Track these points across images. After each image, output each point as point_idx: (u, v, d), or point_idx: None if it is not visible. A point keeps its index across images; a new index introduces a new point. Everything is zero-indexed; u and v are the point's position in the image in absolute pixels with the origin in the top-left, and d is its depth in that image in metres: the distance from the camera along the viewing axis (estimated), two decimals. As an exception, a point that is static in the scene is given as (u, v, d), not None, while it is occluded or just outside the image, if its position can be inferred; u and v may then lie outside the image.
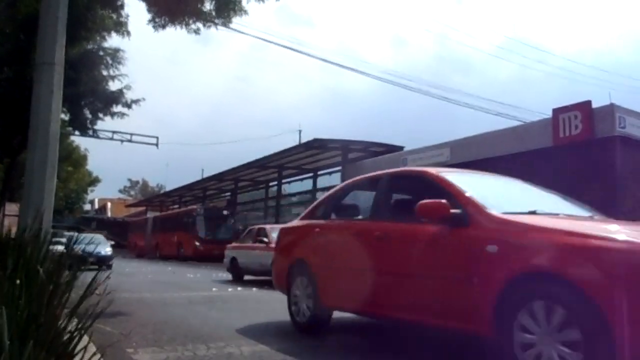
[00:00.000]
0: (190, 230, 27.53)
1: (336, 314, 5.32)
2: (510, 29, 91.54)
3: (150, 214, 41.30)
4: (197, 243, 26.70)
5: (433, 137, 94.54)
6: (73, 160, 34.91)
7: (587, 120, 13.73)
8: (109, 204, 65.07)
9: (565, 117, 14.20)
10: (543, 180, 15.16)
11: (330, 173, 25.25)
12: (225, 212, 30.14)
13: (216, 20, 10.70)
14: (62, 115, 14.71)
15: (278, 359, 3.99)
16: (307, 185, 27.37)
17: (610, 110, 13.44)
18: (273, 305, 7.70)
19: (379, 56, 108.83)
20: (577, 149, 13.78)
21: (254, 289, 10.57)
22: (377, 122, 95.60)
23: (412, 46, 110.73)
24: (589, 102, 13.87)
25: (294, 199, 29.92)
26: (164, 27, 10.47)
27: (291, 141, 41.19)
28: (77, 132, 22.18)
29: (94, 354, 2.12)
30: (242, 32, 14.09)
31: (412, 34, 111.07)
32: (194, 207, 31.81)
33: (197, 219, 27.92)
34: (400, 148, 21.57)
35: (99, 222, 47.61)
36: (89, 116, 17.19)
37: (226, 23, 11.48)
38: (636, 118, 13.91)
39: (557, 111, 14.52)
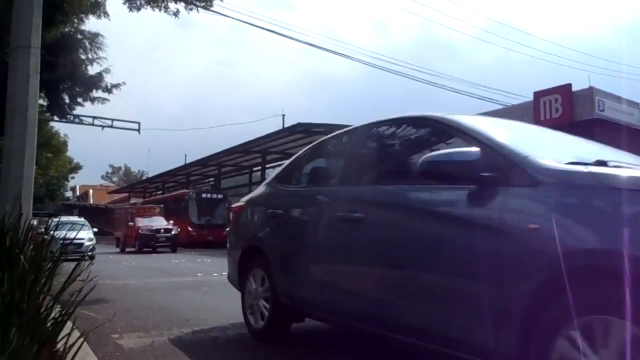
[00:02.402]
0: (182, 215, 26.06)
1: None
2: (493, 12, 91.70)
3: (133, 200, 40.72)
4: (190, 229, 25.51)
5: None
6: (52, 146, 34.27)
7: (567, 103, 13.92)
8: (90, 191, 64.28)
9: (546, 100, 14.38)
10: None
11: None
12: (218, 196, 28.41)
13: (197, 3, 10.53)
14: (40, 101, 14.40)
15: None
16: (291, 169, 27.27)
17: (590, 93, 13.65)
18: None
19: (362, 39, 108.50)
20: (558, 131, 13.98)
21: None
22: (361, 106, 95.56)
23: (394, 29, 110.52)
24: (569, 86, 14.07)
25: (278, 183, 29.81)
26: (139, 8, 10.24)
27: (275, 126, 40.97)
28: (56, 118, 21.73)
29: (78, 339, 2.12)
30: (224, 15, 13.88)
31: (394, 17, 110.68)
32: (186, 191, 30.05)
33: (190, 204, 26.53)
34: (384, 132, 21.62)
35: (81, 209, 46.96)
36: (68, 101, 16.80)
37: (207, 6, 11.31)
38: (615, 101, 14.15)
39: (538, 94, 14.70)
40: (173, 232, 22.86)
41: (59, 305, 2.28)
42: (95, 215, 41.84)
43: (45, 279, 2.37)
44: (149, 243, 22.28)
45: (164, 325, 4.73)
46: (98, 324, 2.88)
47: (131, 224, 23.85)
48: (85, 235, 16.66)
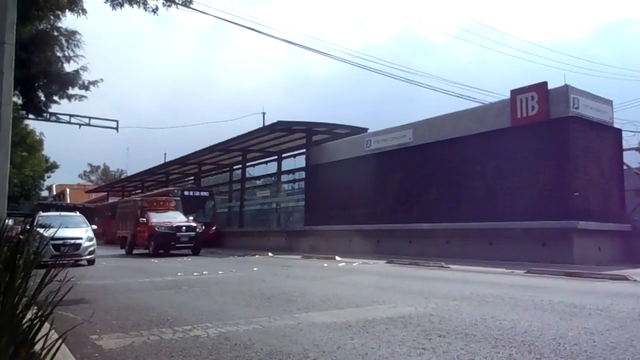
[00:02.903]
0: None
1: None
2: (471, 12, 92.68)
3: (112, 199, 39.86)
4: None
5: (396, 118, 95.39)
6: (28, 145, 33.54)
7: (543, 101, 14.16)
8: (68, 190, 63.15)
9: (523, 98, 14.60)
10: (502, 160, 15.61)
11: (294, 155, 25.26)
12: (204, 193, 27.43)
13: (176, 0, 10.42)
14: (15, 98, 14.10)
15: (244, 340, 4.03)
16: (272, 168, 27.31)
17: (565, 91, 13.89)
18: (239, 288, 7.74)
19: (341, 38, 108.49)
20: (534, 129, 14.23)
21: (220, 272, 10.56)
22: (340, 104, 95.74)
23: (373, 28, 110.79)
24: (544, 84, 14.30)
25: (259, 182, 29.78)
26: (121, 5, 10.12)
27: (255, 124, 40.81)
28: (31, 116, 21.30)
29: (56, 340, 2.10)
30: (203, 12, 13.76)
31: (373, 16, 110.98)
32: (171, 188, 28.95)
33: (175, 202, 24.85)
34: (364, 130, 21.74)
35: (57, 209, 46.12)
36: (44, 99, 16.51)
37: (187, 3, 11.21)
38: (589, 99, 14.43)
39: (515, 92, 14.91)
40: (197, 231, 18.91)
41: (35, 307, 2.26)
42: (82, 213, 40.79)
43: (21, 280, 2.34)
44: (167, 244, 18.28)
45: (143, 326, 4.69)
46: (76, 325, 2.85)
47: (143, 220, 19.51)
48: (84, 234, 13.74)
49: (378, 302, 6.00)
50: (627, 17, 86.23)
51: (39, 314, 2.19)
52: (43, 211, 18.56)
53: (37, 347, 2.13)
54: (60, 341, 2.13)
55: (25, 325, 2.17)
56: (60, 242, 11.99)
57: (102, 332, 4.37)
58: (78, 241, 13.17)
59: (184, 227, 18.63)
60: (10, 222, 3.80)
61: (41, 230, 9.26)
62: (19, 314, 2.23)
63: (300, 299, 6.37)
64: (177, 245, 18.26)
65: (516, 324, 4.52)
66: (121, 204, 27.17)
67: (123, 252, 21.25)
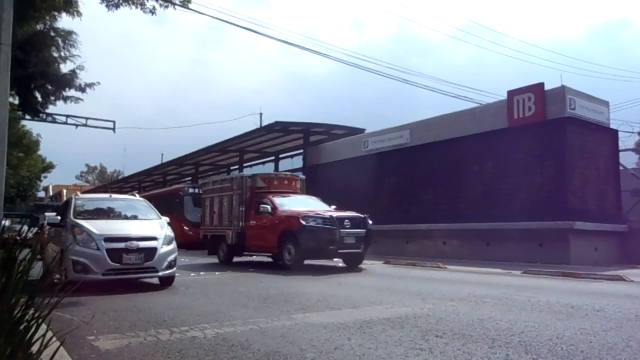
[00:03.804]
0: (177, 213, 21.99)
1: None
2: (467, 12, 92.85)
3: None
4: (186, 228, 21.82)
5: (393, 119, 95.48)
6: (24, 145, 33.49)
7: (540, 102, 14.20)
8: (64, 191, 62.88)
9: (520, 99, 14.65)
10: (499, 160, 15.65)
11: (292, 156, 25.26)
12: None
13: (174, 0, 10.43)
14: (11, 99, 14.06)
15: (241, 340, 4.03)
16: (269, 168, 27.29)
17: (562, 92, 13.94)
18: (236, 289, 7.72)
19: (338, 38, 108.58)
20: (531, 129, 14.27)
21: (217, 273, 10.54)
22: (338, 105, 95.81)
23: (370, 28, 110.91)
24: (541, 85, 14.35)
25: (256, 182, 29.68)
26: (117, 6, 10.13)
27: (252, 125, 40.78)
28: (27, 117, 21.26)
29: (53, 341, 2.10)
30: (200, 12, 13.76)
31: (370, 16, 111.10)
32: (180, 186, 27.06)
33: (185, 200, 23.33)
34: (362, 130, 21.76)
35: (54, 210, 45.96)
36: (40, 100, 16.48)
37: (185, 3, 11.22)
38: (586, 100, 14.48)
39: (511, 93, 14.96)
40: (368, 227, 11.25)
41: (32, 308, 2.25)
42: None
43: (18, 281, 2.33)
44: (323, 247, 10.62)
45: (140, 326, 4.68)
46: (73, 326, 2.85)
47: (265, 208, 11.97)
48: (158, 230, 8.10)
49: (375, 303, 6.00)
50: (624, 17, 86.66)
51: (36, 315, 2.18)
52: (38, 212, 16.67)
53: (34, 348, 2.12)
54: (57, 342, 2.12)
55: (22, 327, 2.17)
56: (122, 245, 7.37)
57: (98, 333, 4.36)
58: (152, 244, 7.68)
59: (348, 220, 10.95)
60: (7, 222, 3.78)
61: (86, 225, 7.71)
62: (16, 315, 2.22)
63: (298, 299, 6.37)
64: (339, 250, 10.85)
65: (513, 324, 4.53)
66: (208, 187, 16.09)
67: (214, 260, 13.78)
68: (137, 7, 10.25)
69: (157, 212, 9.04)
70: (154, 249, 7.67)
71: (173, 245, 8.13)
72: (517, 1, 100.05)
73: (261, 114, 33.94)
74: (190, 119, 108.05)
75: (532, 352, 3.54)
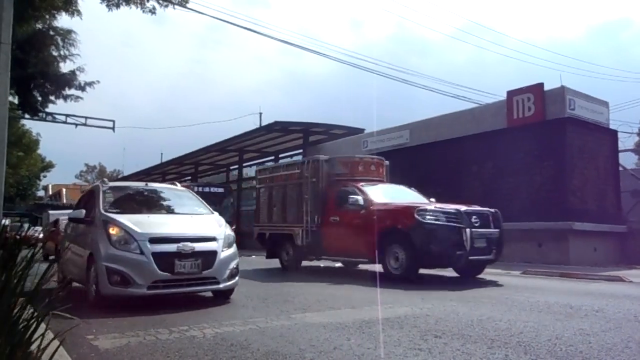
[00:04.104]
0: None
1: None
2: (467, 11, 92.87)
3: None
4: None
5: (392, 119, 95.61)
6: (24, 145, 33.52)
7: (539, 102, 14.21)
8: (64, 190, 62.90)
9: (519, 99, 14.65)
10: (498, 160, 15.61)
11: (291, 156, 25.28)
12: (220, 190, 25.32)
13: (173, 0, 10.45)
14: (11, 98, 14.06)
15: (241, 340, 4.03)
16: (269, 168, 27.24)
17: (561, 92, 13.95)
18: (236, 288, 7.72)
19: (338, 38, 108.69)
20: (530, 130, 14.27)
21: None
22: (337, 105, 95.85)
23: (370, 27, 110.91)
24: (541, 85, 14.35)
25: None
26: (118, 6, 10.14)
27: (251, 124, 40.79)
28: (27, 116, 21.28)
29: (53, 340, 2.10)
30: (199, 12, 13.77)
31: (370, 15, 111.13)
32: (191, 184, 26.42)
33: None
34: (361, 130, 21.76)
35: (53, 209, 45.88)
36: (40, 99, 16.49)
37: (183, 3, 11.23)
38: (585, 100, 14.49)
39: (511, 93, 14.96)
40: (500, 226, 8.83)
41: (31, 307, 2.25)
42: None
43: (17, 280, 2.34)
44: (448, 252, 8.20)
45: (140, 326, 4.68)
46: (73, 325, 2.85)
47: (355, 200, 9.41)
48: (216, 229, 6.45)
49: (374, 303, 6.00)
50: (624, 17, 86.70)
51: (35, 314, 2.19)
52: (37, 211, 16.07)
53: (34, 347, 2.12)
54: (56, 341, 2.12)
55: (21, 326, 2.17)
56: (174, 247, 5.76)
57: (98, 332, 4.36)
58: (211, 246, 6.08)
59: (476, 217, 8.47)
60: (6, 222, 3.77)
61: (124, 220, 5.88)
62: (15, 314, 2.22)
63: (297, 299, 6.37)
64: (470, 256, 8.22)
65: (512, 324, 4.53)
66: (265, 175, 12.71)
67: (270, 264, 11.76)
68: (137, 7, 10.27)
69: (207, 205, 7.33)
70: (214, 253, 6.02)
71: (234, 248, 6.47)
72: (517, 1, 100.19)
73: (261, 113, 34.01)
74: (190, 118, 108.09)
75: (531, 352, 3.54)
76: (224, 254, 6.15)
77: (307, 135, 22.59)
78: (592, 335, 4.08)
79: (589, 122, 14.45)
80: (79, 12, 12.54)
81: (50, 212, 14.33)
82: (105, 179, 6.92)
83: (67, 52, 15.22)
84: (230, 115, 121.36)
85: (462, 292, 7.00)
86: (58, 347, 2.12)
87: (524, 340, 3.92)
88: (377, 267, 8.93)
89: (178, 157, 29.64)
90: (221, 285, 6.08)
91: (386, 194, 9.84)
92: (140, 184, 7.94)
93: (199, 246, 5.89)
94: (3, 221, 3.64)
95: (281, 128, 21.68)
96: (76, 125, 24.96)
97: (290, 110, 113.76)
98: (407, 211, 8.48)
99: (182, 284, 5.84)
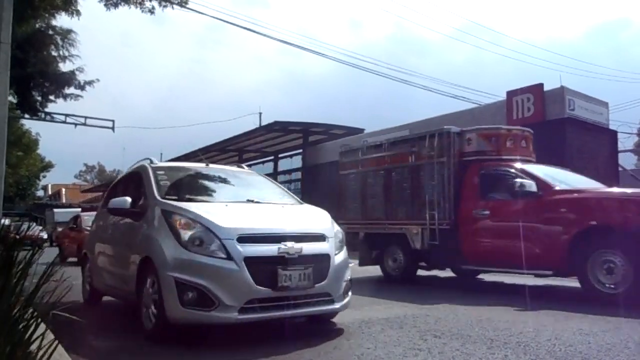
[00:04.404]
0: None
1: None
2: (466, 11, 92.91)
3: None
4: None
5: (391, 119, 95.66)
6: (23, 145, 33.47)
7: (539, 102, 14.21)
8: (63, 190, 62.92)
9: (519, 100, 14.65)
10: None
11: (291, 156, 25.26)
12: None
13: (172, 0, 10.44)
14: (10, 98, 14.06)
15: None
16: (268, 168, 27.28)
17: (561, 92, 13.96)
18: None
19: (337, 38, 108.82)
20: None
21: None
22: (337, 105, 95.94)
23: (369, 28, 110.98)
24: (540, 85, 14.36)
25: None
26: (116, 5, 10.14)
27: (251, 124, 40.75)
28: (26, 116, 21.27)
29: (53, 340, 2.10)
30: (199, 12, 13.76)
31: (369, 15, 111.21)
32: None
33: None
34: (361, 130, 21.77)
35: (55, 207, 45.85)
36: (39, 98, 16.49)
37: (182, 3, 11.23)
38: (585, 100, 14.50)
39: (510, 94, 14.96)
40: None
41: (32, 308, 2.25)
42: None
43: (17, 280, 2.33)
44: None
45: (140, 325, 4.68)
46: (73, 325, 2.85)
47: (524, 185, 6.45)
48: (325, 222, 4.60)
49: (374, 303, 6.00)
50: (623, 17, 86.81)
51: (35, 314, 2.19)
52: (37, 211, 15.39)
53: (33, 347, 2.12)
54: (56, 342, 2.12)
55: (21, 325, 2.17)
56: (274, 249, 3.92)
57: (98, 332, 4.36)
58: (321, 247, 4.26)
59: None
60: (6, 221, 3.75)
61: (198, 211, 4.02)
62: (15, 314, 2.22)
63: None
64: None
65: (511, 325, 4.54)
66: (355, 158, 9.77)
67: (373, 271, 8.99)
68: (136, 7, 10.27)
69: (292, 194, 5.67)
70: (327, 258, 4.23)
71: (345, 251, 4.59)
72: (516, 1, 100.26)
73: (260, 113, 33.92)
74: (190, 118, 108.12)
75: (530, 352, 3.54)
76: (337, 258, 4.33)
77: (307, 135, 22.58)
78: (591, 335, 4.08)
79: (588, 122, 14.46)
80: (78, 12, 12.54)
81: (55, 210, 14.09)
82: (153, 158, 5.41)
83: (66, 52, 15.23)
84: (229, 115, 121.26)
85: (462, 292, 7.00)
86: (57, 346, 2.12)
87: (523, 340, 3.93)
88: (572, 282, 6.68)
89: (177, 157, 29.58)
90: (337, 305, 4.29)
91: (554, 177, 7.02)
92: (199, 165, 5.83)
93: (308, 248, 4.06)
94: (3, 221, 3.63)
95: (281, 128, 21.66)
96: (75, 125, 24.92)
97: (290, 110, 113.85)
98: (628, 203, 5.85)
99: (289, 304, 3.93)
